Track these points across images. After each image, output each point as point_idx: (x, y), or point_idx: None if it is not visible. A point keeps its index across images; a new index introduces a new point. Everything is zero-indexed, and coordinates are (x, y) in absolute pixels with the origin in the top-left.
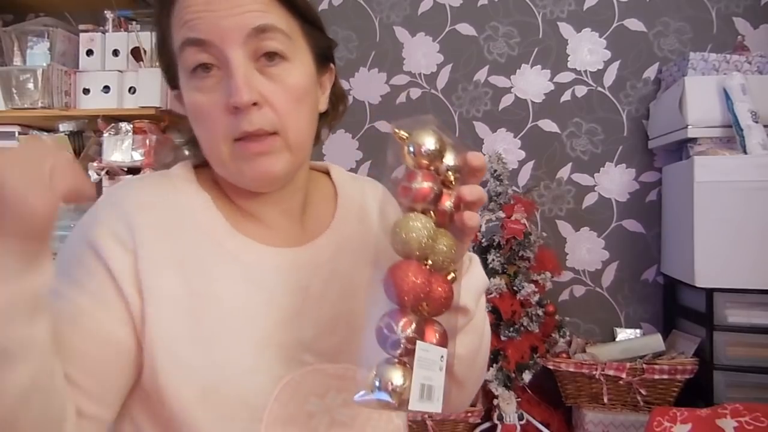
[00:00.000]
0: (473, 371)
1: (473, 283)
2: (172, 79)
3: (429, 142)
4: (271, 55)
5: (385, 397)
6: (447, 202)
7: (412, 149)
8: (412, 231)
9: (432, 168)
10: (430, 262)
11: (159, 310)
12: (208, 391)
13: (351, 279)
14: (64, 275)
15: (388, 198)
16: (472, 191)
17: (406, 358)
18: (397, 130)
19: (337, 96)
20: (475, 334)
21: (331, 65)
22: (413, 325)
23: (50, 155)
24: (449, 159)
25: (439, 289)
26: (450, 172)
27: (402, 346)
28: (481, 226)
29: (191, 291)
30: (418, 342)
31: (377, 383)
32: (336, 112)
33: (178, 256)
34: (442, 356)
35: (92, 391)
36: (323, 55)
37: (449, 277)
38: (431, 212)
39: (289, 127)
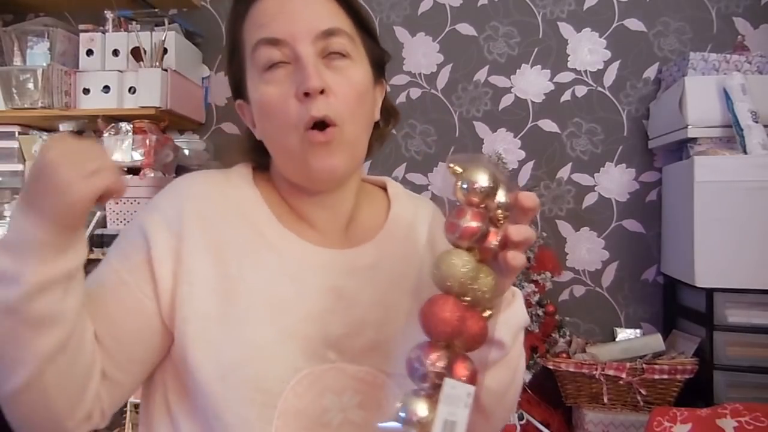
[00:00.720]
0: (502, 405)
1: (513, 318)
2: (237, 87)
3: (482, 179)
4: (337, 53)
5: (408, 427)
6: (493, 241)
7: (464, 186)
8: (452, 267)
9: (483, 205)
10: (468, 298)
11: (194, 288)
12: (228, 369)
13: (386, 290)
14: (117, 247)
15: (438, 223)
16: (519, 232)
17: (433, 392)
18: (451, 165)
19: (390, 112)
20: (508, 370)
21: (383, 80)
22: (443, 361)
23: (99, 157)
24: (500, 196)
25: (474, 326)
26: (500, 210)
27: (430, 379)
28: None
29: (226, 273)
30: (446, 379)
31: (402, 413)
32: (387, 126)
33: (219, 241)
34: (469, 393)
35: (115, 355)
36: (378, 65)
37: (485, 314)
38: (475, 249)
39: (347, 120)
